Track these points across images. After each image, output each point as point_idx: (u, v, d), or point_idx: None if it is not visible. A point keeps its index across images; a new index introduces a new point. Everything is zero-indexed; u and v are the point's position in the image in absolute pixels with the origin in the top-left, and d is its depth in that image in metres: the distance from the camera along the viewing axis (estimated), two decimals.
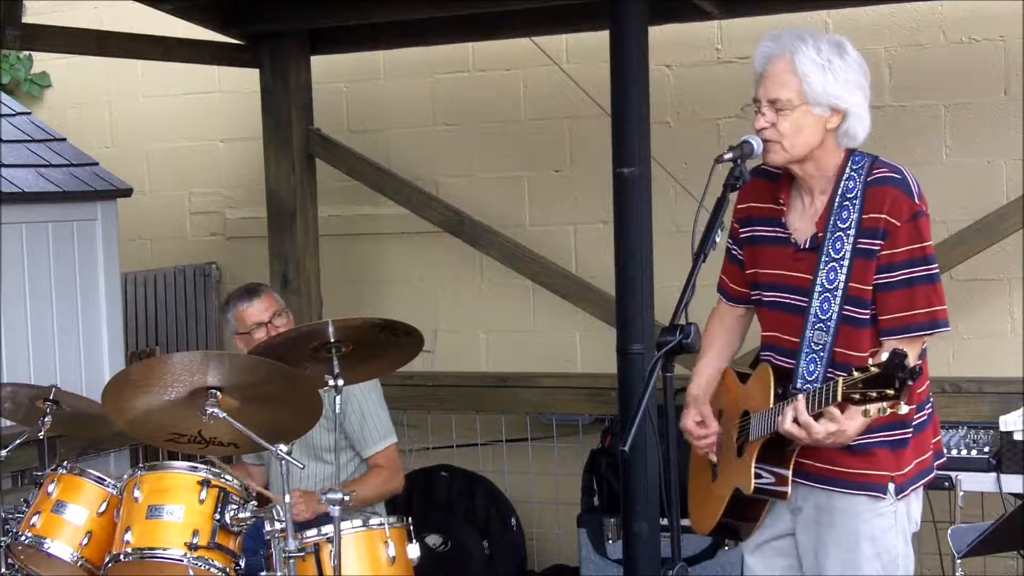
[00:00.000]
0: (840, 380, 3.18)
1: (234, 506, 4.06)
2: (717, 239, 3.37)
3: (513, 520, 6.28)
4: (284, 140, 6.38)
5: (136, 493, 4.07)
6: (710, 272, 3.52)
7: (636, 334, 4.38)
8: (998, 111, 5.77)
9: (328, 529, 4.02)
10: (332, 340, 4.15)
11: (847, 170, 3.47)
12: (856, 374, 3.13)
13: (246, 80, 6.68)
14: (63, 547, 4.28)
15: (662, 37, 5.50)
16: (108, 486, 4.34)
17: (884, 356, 3.09)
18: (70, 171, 6.02)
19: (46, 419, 4.65)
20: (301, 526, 4.26)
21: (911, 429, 3.49)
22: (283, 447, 3.88)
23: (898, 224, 3.39)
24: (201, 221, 7.56)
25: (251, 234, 7.02)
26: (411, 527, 4.26)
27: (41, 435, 4.69)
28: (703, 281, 3.34)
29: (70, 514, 4.32)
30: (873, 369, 3.10)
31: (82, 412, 4.75)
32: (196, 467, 4.13)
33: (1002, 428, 4.75)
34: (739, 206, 3.69)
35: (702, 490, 3.74)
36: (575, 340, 6.59)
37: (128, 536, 4.03)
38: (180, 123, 7.52)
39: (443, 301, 6.87)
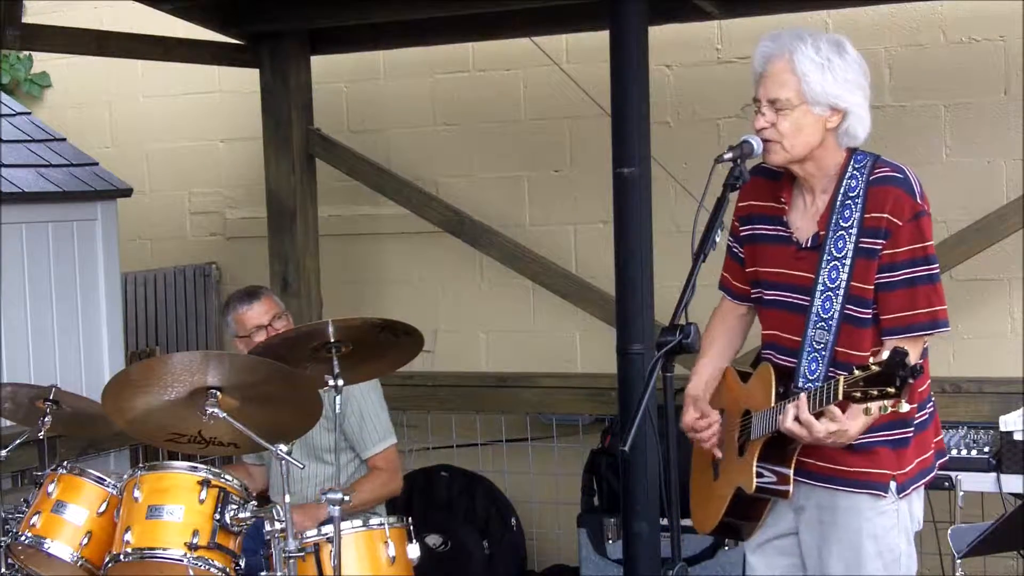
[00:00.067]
0: (841, 378, 3.19)
1: (234, 506, 4.06)
2: (717, 239, 3.37)
3: (513, 520, 6.28)
4: (284, 140, 6.38)
5: (136, 493, 4.07)
6: (710, 272, 3.52)
7: (636, 334, 4.37)
8: (998, 111, 5.77)
9: (328, 529, 4.02)
10: (332, 340, 4.15)
11: (849, 169, 3.48)
12: (857, 372, 3.13)
13: (246, 80, 6.68)
14: (63, 547, 4.28)
15: (662, 37, 5.49)
16: (108, 486, 4.34)
17: (885, 354, 3.09)
18: (70, 171, 6.02)
19: (46, 419, 4.65)
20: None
21: (912, 428, 3.49)
22: (283, 447, 3.89)
23: (900, 224, 3.39)
24: (201, 221, 7.56)
25: (251, 234, 7.02)
26: (411, 527, 4.26)
27: (41, 435, 4.69)
28: (703, 281, 3.34)
29: (70, 514, 4.32)
30: (874, 367, 3.10)
31: (82, 412, 4.75)
32: (196, 467, 4.13)
33: (1002, 428, 4.75)
34: (739, 204, 3.69)
35: (704, 489, 3.74)
36: (575, 340, 6.59)
37: (128, 536, 4.03)
38: (180, 123, 7.52)
39: (443, 301, 6.87)
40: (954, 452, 4.77)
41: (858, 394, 3.13)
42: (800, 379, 3.45)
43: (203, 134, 7.48)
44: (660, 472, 3.21)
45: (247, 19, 6.23)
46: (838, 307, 3.43)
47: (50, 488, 4.37)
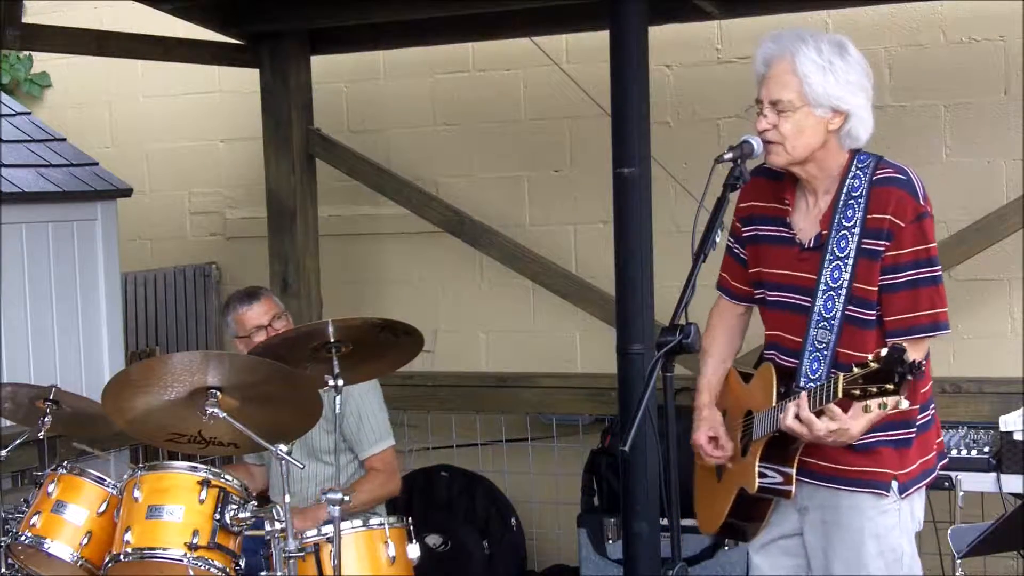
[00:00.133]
0: (841, 376, 3.20)
1: (234, 506, 4.06)
2: (717, 239, 3.37)
3: (513, 520, 6.28)
4: (284, 140, 6.38)
5: (136, 493, 4.07)
6: (710, 272, 3.53)
7: (636, 334, 4.37)
8: (998, 111, 5.77)
9: (328, 529, 4.02)
10: (332, 340, 4.15)
11: (852, 169, 3.48)
12: (856, 370, 3.14)
13: (246, 80, 6.68)
14: (63, 547, 4.28)
15: (662, 37, 5.49)
16: (108, 486, 4.34)
17: (884, 352, 3.10)
18: (70, 171, 6.02)
19: (46, 419, 4.65)
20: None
21: (915, 429, 3.49)
22: (283, 447, 3.89)
23: (903, 225, 3.39)
24: (201, 221, 7.55)
25: (251, 234, 7.02)
26: (411, 527, 4.26)
27: (41, 435, 4.69)
28: (703, 281, 3.34)
29: (70, 514, 4.32)
30: (873, 365, 3.11)
31: (82, 412, 4.75)
32: (196, 467, 4.13)
33: (1002, 428, 4.75)
34: (741, 204, 3.69)
35: (708, 490, 3.75)
36: (575, 340, 6.59)
37: (128, 536, 4.03)
38: (180, 123, 7.52)
39: (443, 301, 6.87)
40: (954, 452, 4.77)
41: (857, 391, 3.14)
42: (801, 379, 3.45)
43: (203, 134, 7.47)
44: (660, 472, 3.22)
45: (247, 19, 6.23)
46: (840, 307, 3.43)
47: (50, 488, 4.37)
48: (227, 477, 4.12)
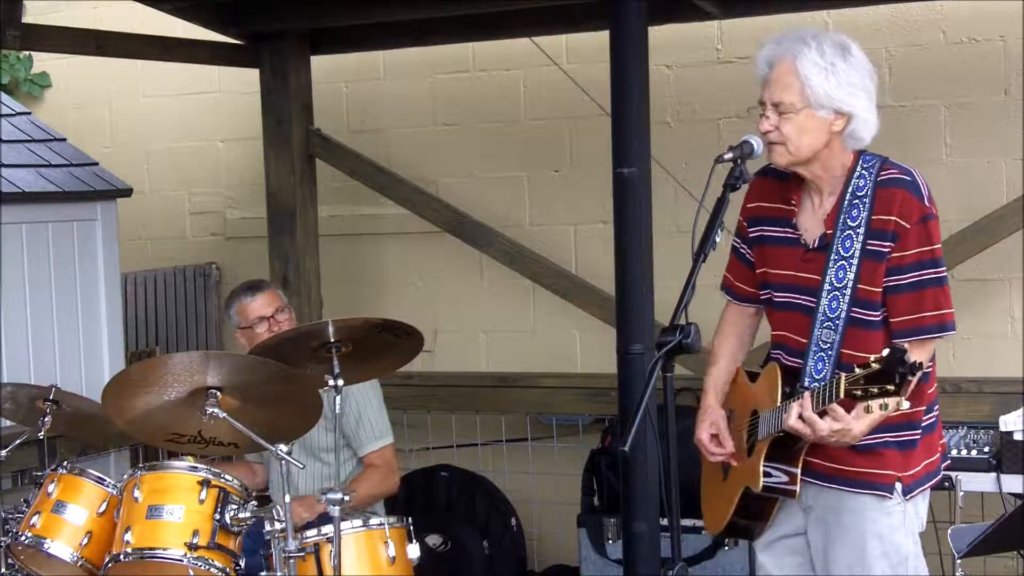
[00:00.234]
0: (842, 376, 3.20)
1: (234, 506, 4.06)
2: (717, 239, 3.37)
3: (513, 520, 6.28)
4: (284, 140, 6.38)
5: (136, 493, 4.07)
6: (710, 272, 3.52)
7: (636, 334, 4.37)
8: (998, 111, 5.77)
9: (328, 529, 4.02)
10: (332, 340, 4.15)
11: (858, 169, 3.48)
12: (858, 371, 3.15)
13: (246, 80, 6.68)
14: (63, 547, 4.29)
15: (662, 37, 5.49)
16: (108, 486, 4.35)
17: (885, 352, 3.10)
18: (70, 171, 6.02)
19: (46, 419, 4.65)
20: (302, 526, 4.27)
21: (920, 430, 3.49)
22: (283, 447, 3.89)
23: (908, 226, 3.39)
24: (201, 221, 7.55)
25: (251, 234, 7.01)
26: (411, 527, 4.26)
27: (41, 435, 4.69)
28: (703, 281, 3.34)
29: (70, 514, 4.32)
30: (874, 365, 3.11)
31: (82, 412, 4.75)
32: (196, 467, 4.13)
33: (1002, 428, 4.75)
34: (747, 205, 3.69)
35: (714, 489, 3.75)
36: (575, 340, 6.59)
37: (128, 536, 4.03)
38: (180, 123, 7.52)
39: (443, 301, 6.87)
40: (954, 452, 4.77)
41: (859, 392, 3.15)
42: (806, 379, 3.46)
43: (203, 134, 7.47)
44: (660, 472, 3.22)
45: (247, 19, 6.23)
46: (845, 307, 3.43)
47: (50, 488, 4.37)
48: (227, 477, 4.12)
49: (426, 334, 4.36)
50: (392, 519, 4.25)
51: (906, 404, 3.13)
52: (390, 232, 6.93)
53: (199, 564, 3.97)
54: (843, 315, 3.43)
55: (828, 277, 3.46)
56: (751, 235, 3.68)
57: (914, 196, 3.41)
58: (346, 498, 3.93)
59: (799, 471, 3.46)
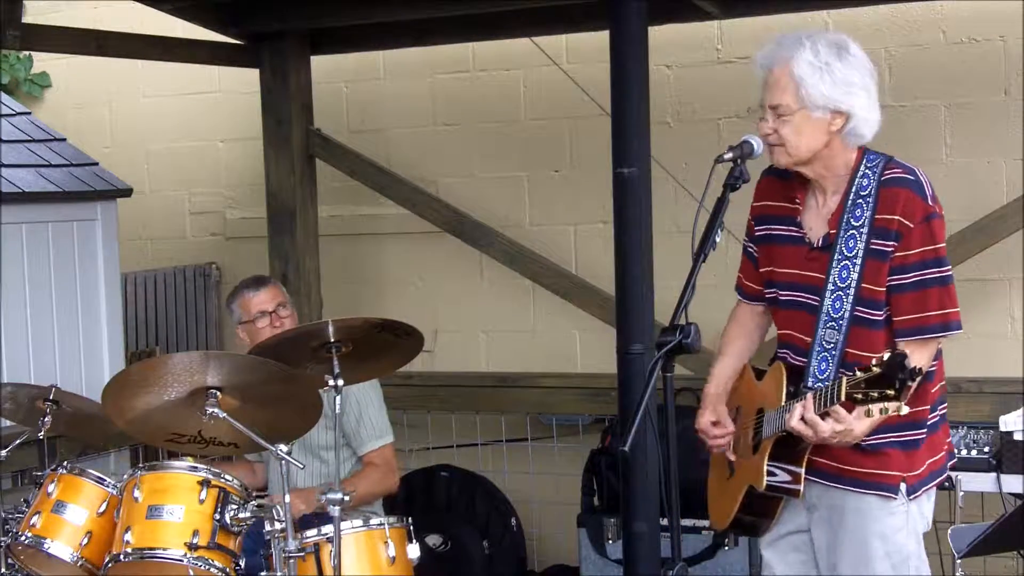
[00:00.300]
0: (844, 379, 3.21)
1: (234, 506, 4.06)
2: (717, 239, 3.38)
3: (513, 520, 6.28)
4: (284, 140, 6.38)
5: (136, 493, 4.07)
6: (710, 272, 3.52)
7: (636, 334, 4.37)
8: (998, 111, 5.77)
9: (328, 529, 4.02)
10: (332, 340, 4.14)
11: (861, 168, 3.48)
12: (859, 374, 3.15)
13: (246, 80, 6.68)
14: (63, 547, 4.29)
15: (662, 37, 5.49)
16: (108, 486, 4.34)
17: (887, 355, 3.10)
18: (70, 171, 6.02)
19: (46, 419, 4.65)
20: (302, 525, 4.27)
21: (924, 430, 3.50)
22: (283, 447, 3.88)
23: (911, 226, 3.40)
24: (201, 221, 7.55)
25: (251, 234, 7.01)
26: (411, 527, 4.26)
27: (41, 435, 4.69)
28: (703, 281, 3.34)
29: (70, 514, 4.32)
30: (875, 369, 3.11)
31: (82, 412, 4.75)
32: (196, 467, 4.13)
33: (1002, 428, 4.75)
34: (754, 204, 3.71)
35: (720, 486, 3.76)
36: (575, 340, 6.59)
37: (128, 536, 4.03)
38: (180, 123, 7.52)
39: (443, 301, 6.87)
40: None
41: (859, 395, 3.15)
42: (809, 379, 3.46)
43: (203, 134, 7.47)
44: (660, 472, 3.22)
45: (247, 19, 6.23)
46: (848, 307, 3.43)
47: (50, 488, 4.37)
48: (227, 477, 4.12)
49: (426, 334, 4.36)
50: (392, 519, 4.25)
51: (906, 409, 3.14)
52: (390, 232, 6.93)
53: (199, 564, 3.96)
54: (847, 315, 3.43)
55: (832, 277, 3.46)
56: (758, 234, 3.69)
57: (918, 195, 3.41)
58: (346, 498, 3.93)
59: (803, 471, 3.46)
